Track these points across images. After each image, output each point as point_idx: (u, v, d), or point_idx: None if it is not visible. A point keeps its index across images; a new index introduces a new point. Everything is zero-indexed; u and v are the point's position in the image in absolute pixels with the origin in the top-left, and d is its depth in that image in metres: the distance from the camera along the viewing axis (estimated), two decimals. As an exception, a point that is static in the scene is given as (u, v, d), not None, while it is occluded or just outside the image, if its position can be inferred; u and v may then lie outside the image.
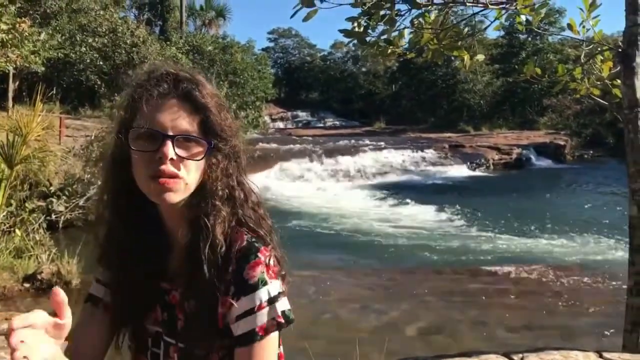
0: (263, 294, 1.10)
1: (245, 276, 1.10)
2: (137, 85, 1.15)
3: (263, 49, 49.72)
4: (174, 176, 1.09)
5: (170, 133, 1.09)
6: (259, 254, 1.12)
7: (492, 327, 6.09)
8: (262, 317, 1.09)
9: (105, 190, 1.22)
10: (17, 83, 19.66)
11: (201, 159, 1.12)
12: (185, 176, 1.10)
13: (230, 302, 1.10)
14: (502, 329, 6.01)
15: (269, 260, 1.13)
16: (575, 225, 11.37)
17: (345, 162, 20.17)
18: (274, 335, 1.11)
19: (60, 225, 9.82)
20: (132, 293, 1.19)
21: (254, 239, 1.15)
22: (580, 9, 3.37)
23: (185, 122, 1.11)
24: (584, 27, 3.52)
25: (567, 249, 9.48)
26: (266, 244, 1.15)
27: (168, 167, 1.08)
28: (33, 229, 7.75)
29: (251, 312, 1.09)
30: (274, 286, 1.12)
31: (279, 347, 1.23)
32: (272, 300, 1.11)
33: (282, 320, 1.11)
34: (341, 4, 2.86)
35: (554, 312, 6.52)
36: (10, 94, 18.33)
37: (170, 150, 1.07)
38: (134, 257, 1.18)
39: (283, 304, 1.13)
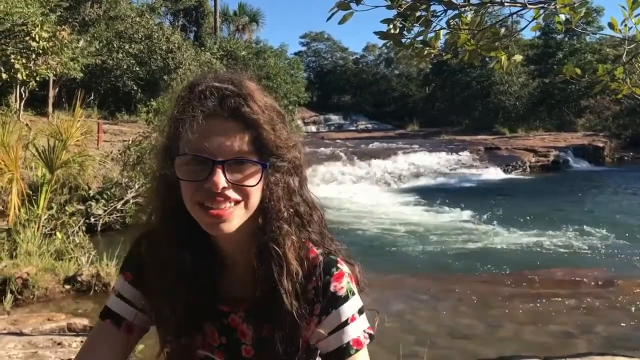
0: (354, 305, 1.05)
1: (333, 289, 1.04)
2: (179, 105, 1.03)
3: (296, 53, 50.14)
4: (229, 203, 0.99)
5: (220, 159, 0.97)
6: (339, 265, 1.07)
7: (532, 331, 5.97)
8: (356, 329, 1.05)
9: (153, 210, 1.13)
10: (56, 89, 20.19)
11: (257, 183, 1.00)
12: (244, 200, 1.01)
13: (317, 321, 1.05)
14: (543, 334, 5.89)
15: (349, 270, 1.09)
16: (619, 229, 11.08)
17: (379, 165, 20.08)
18: (365, 349, 1.06)
19: (99, 228, 10.01)
20: (179, 314, 1.09)
21: (326, 252, 1.09)
22: (622, 7, 3.28)
23: (235, 144, 0.99)
24: (625, 25, 3.43)
25: (610, 254, 9.24)
26: (339, 256, 1.11)
27: (220, 198, 0.98)
28: (73, 231, 7.91)
29: (344, 324, 1.04)
30: (359, 297, 1.08)
31: None
32: (361, 311, 1.06)
33: (372, 332, 1.06)
34: (377, 6, 2.85)
35: (596, 318, 6.36)
36: (51, 100, 18.83)
37: (221, 178, 0.97)
38: (181, 277, 1.08)
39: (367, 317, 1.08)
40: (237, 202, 1.00)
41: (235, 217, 1.00)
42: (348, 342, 1.03)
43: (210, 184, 0.97)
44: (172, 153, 1.02)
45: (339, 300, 1.04)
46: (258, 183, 1.01)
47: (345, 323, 1.04)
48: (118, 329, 1.15)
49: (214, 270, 1.10)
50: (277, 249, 1.02)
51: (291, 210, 1.06)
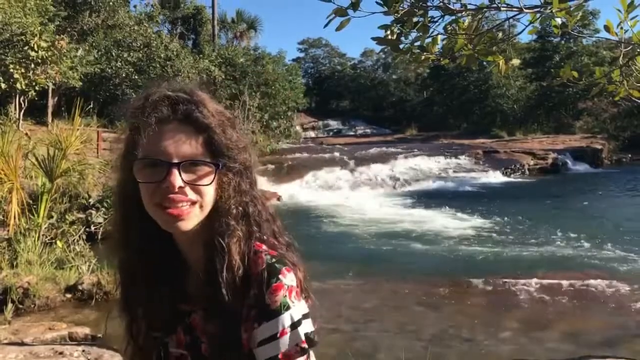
0: (286, 320, 1.06)
1: (267, 301, 1.06)
2: (135, 114, 1.10)
3: (294, 60, 50.25)
4: (186, 203, 1.05)
5: (175, 160, 1.04)
6: (280, 276, 1.07)
7: (534, 334, 5.97)
8: (285, 343, 1.05)
9: (117, 220, 1.19)
10: (56, 98, 20.20)
11: (210, 182, 1.07)
12: (199, 200, 1.07)
13: (252, 327, 1.06)
14: (544, 337, 5.89)
15: (291, 282, 1.08)
16: (618, 232, 11.09)
17: (377, 170, 20.10)
18: None
19: (100, 237, 9.98)
20: (153, 317, 1.17)
21: (274, 260, 1.09)
22: (618, 9, 3.30)
23: (188, 146, 1.06)
24: (621, 28, 3.45)
25: (611, 256, 9.24)
26: (287, 265, 1.10)
27: (177, 197, 1.04)
28: (73, 240, 7.90)
29: (274, 337, 1.05)
30: (297, 309, 1.08)
31: None
32: (294, 325, 1.06)
33: (306, 346, 1.07)
34: (374, 12, 2.86)
35: (598, 320, 6.37)
36: (50, 109, 18.84)
37: (177, 179, 1.03)
38: (150, 281, 1.15)
39: (306, 327, 1.08)
40: (193, 203, 1.06)
41: (192, 216, 1.07)
42: (276, 355, 1.05)
43: (167, 183, 1.03)
44: (131, 159, 1.08)
45: (272, 314, 1.06)
46: (211, 182, 1.07)
47: (275, 337, 1.05)
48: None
49: (177, 272, 1.16)
50: (221, 241, 1.08)
51: (240, 208, 1.12)
